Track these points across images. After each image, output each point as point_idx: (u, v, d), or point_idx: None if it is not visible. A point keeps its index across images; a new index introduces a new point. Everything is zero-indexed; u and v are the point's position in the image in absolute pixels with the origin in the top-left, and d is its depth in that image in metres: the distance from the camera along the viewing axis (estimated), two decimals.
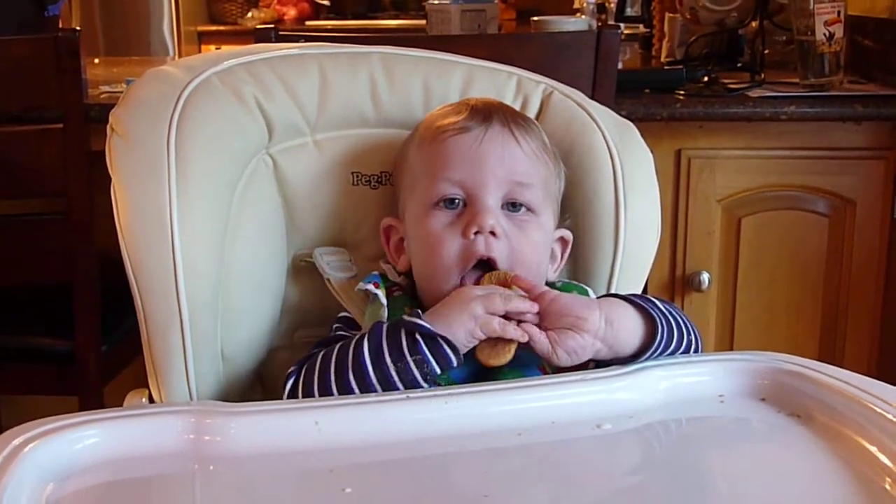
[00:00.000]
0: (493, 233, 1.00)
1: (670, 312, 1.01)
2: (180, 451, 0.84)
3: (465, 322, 0.94)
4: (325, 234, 1.15)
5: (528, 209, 1.04)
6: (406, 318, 0.95)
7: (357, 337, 0.96)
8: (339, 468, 0.83)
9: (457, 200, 1.03)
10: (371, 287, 1.04)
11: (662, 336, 0.97)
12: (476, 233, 1.00)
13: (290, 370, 0.98)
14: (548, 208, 1.07)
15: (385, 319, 1.00)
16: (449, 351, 0.93)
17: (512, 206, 1.03)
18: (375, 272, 1.09)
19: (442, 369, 0.93)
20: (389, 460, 0.85)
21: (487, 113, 1.06)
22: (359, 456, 0.85)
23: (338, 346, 0.96)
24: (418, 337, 0.93)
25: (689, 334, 1.01)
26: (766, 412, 0.92)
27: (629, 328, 0.97)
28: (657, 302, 1.01)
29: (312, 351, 1.00)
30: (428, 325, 0.94)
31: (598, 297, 1.05)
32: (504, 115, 1.06)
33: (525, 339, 0.94)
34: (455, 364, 0.94)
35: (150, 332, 1.01)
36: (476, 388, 0.92)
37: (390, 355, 0.93)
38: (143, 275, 1.00)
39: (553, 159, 1.09)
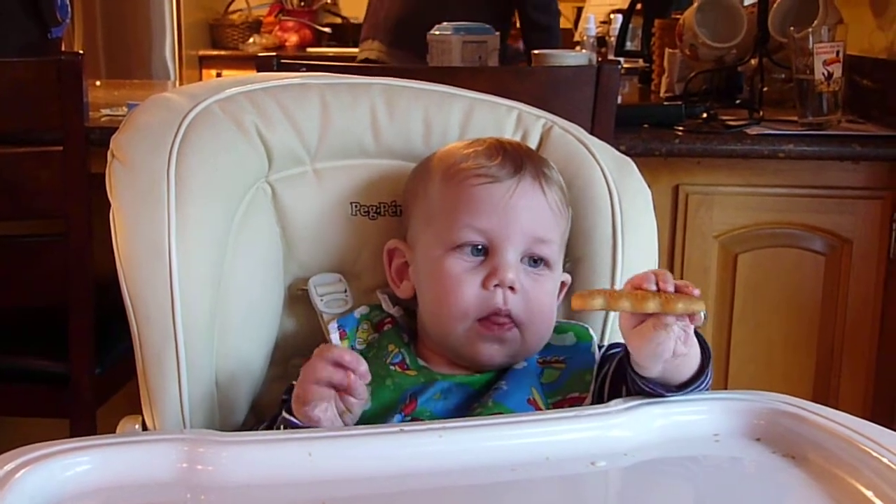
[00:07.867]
0: (511, 287, 1.00)
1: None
2: (173, 480, 0.84)
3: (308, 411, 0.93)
4: (322, 264, 1.15)
5: (546, 264, 1.04)
6: (283, 414, 0.95)
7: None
8: (333, 500, 0.83)
9: (480, 248, 1.02)
10: (336, 337, 1.06)
11: (709, 372, 0.96)
12: (496, 285, 1.00)
13: None
14: (560, 259, 1.07)
15: None
16: None
17: (532, 261, 1.03)
18: (355, 312, 1.09)
19: None
20: (383, 493, 0.85)
21: (519, 163, 1.04)
22: (352, 488, 0.85)
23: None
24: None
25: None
26: (760, 452, 0.91)
27: (690, 359, 0.95)
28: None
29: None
30: (296, 421, 0.93)
31: None
32: (535, 166, 1.05)
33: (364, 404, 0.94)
34: None
35: (145, 358, 1.01)
36: (471, 423, 0.92)
37: None
38: (140, 301, 1.00)
39: (567, 206, 1.09)
